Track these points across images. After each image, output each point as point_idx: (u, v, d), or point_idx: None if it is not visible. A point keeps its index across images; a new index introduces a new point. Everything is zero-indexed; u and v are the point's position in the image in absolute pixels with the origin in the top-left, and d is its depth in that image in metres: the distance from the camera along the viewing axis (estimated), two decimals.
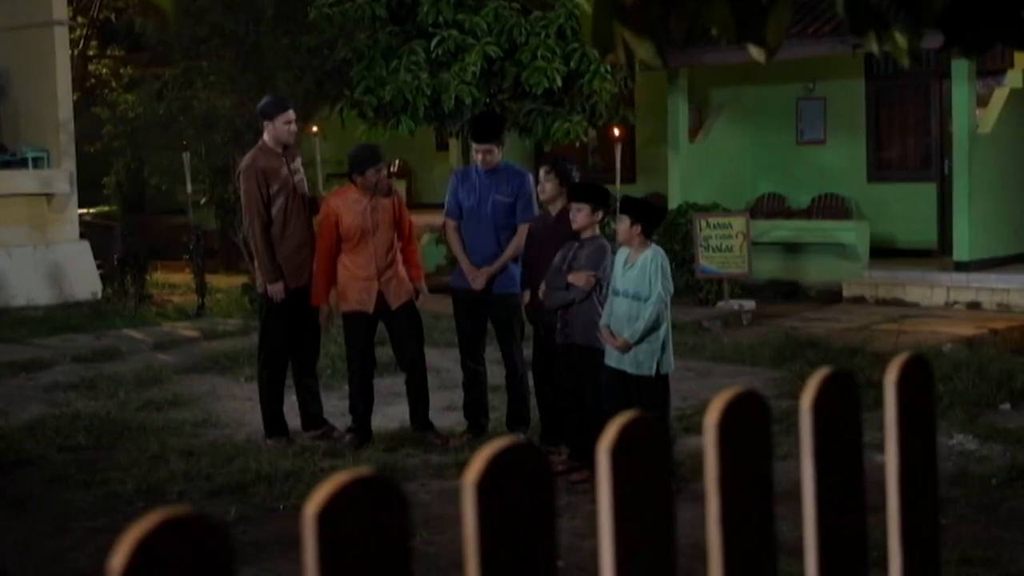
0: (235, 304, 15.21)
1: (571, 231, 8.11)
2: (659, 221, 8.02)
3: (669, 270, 7.75)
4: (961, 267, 15.59)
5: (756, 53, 3.08)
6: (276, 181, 8.80)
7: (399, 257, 8.86)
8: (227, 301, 15.54)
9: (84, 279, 15.99)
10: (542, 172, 8.54)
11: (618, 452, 1.57)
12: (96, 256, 16.26)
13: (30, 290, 15.06)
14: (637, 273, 7.60)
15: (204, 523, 1.26)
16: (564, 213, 8.22)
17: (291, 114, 8.90)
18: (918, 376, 2.14)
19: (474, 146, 8.90)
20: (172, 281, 17.41)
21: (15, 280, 14.83)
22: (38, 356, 12.22)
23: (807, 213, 18.11)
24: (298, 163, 9.04)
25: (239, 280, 16.45)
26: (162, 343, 12.87)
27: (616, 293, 7.75)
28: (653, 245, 7.76)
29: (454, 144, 18.74)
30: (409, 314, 8.87)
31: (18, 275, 14.88)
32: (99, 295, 15.84)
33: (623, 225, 7.65)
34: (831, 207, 18.06)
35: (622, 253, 7.78)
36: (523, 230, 8.68)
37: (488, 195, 8.78)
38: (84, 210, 17.61)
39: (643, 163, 19.69)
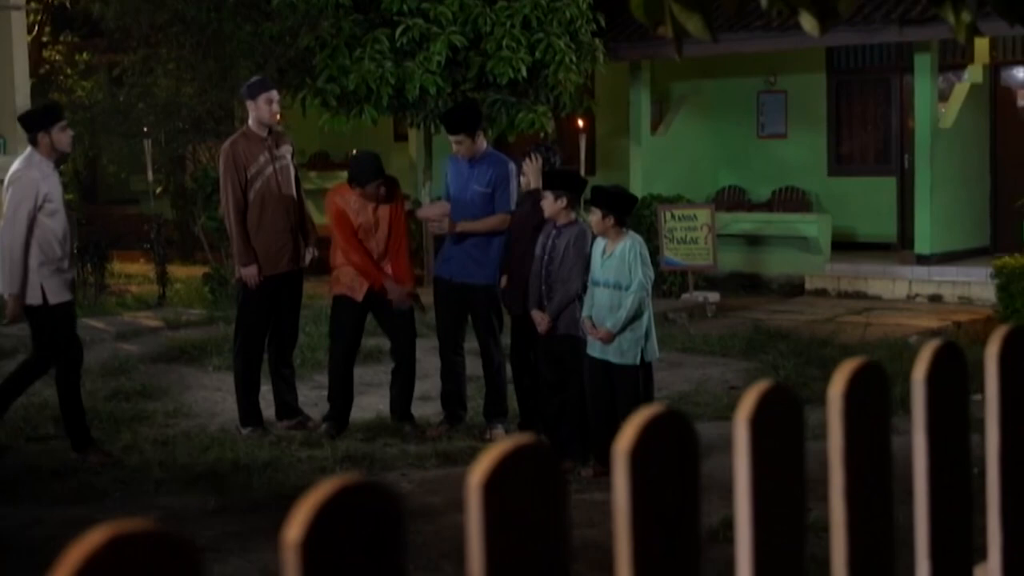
0: (195, 294, 15.04)
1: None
2: (631, 209, 7.99)
3: (648, 257, 7.74)
4: (923, 260, 15.71)
5: (810, 26, 3.04)
6: (254, 165, 8.68)
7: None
8: (187, 291, 15.36)
9: None
10: (525, 163, 8.50)
11: (756, 421, 1.52)
12: None
13: None
14: (616, 263, 7.57)
15: (380, 489, 1.20)
16: (536, 199, 8.22)
17: (274, 93, 8.80)
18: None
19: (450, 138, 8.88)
20: (128, 271, 17.19)
21: None
22: (17, 340, 11.98)
23: (768, 206, 18.17)
24: (284, 150, 8.92)
25: (198, 270, 16.28)
26: (124, 333, 12.69)
27: (596, 284, 7.71)
28: (630, 233, 7.74)
29: (414, 135, 18.62)
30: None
31: None
32: None
33: (595, 217, 7.62)
34: (792, 200, 18.13)
35: (599, 243, 7.75)
36: (502, 217, 8.62)
37: (469, 184, 8.72)
38: None
39: (603, 155, 19.68)
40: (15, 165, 8.31)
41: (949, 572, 1.91)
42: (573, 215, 8.00)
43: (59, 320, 8.24)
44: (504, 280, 8.56)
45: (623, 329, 7.54)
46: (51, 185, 8.19)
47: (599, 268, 7.63)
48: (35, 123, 8.31)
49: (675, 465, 1.42)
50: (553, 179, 8.08)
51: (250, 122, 8.86)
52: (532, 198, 8.34)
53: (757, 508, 1.55)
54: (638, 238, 7.73)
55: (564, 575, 1.38)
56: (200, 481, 7.81)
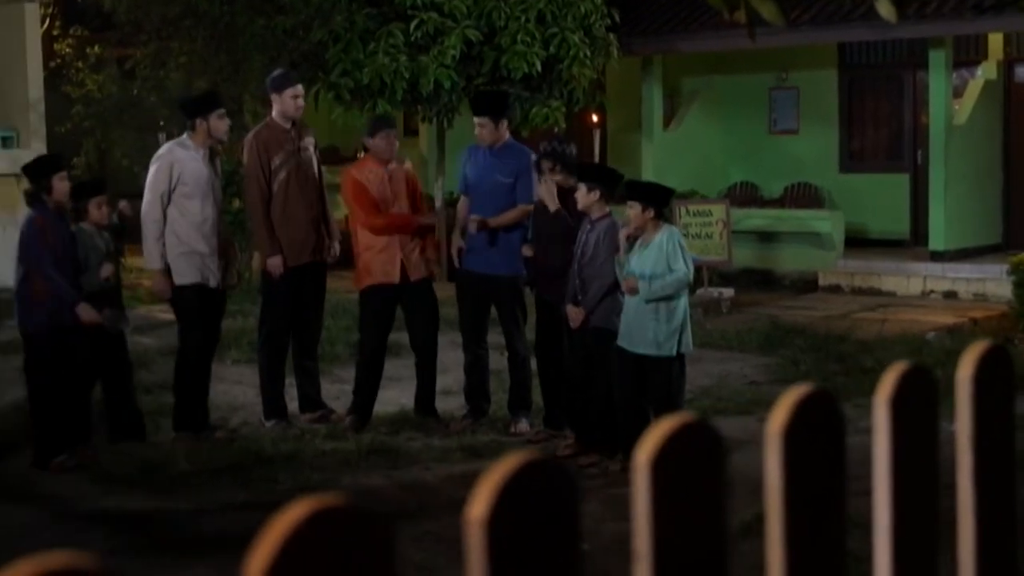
0: None
1: (576, 212, 8.07)
2: (668, 201, 7.99)
3: (686, 249, 7.72)
4: (937, 257, 15.67)
5: (887, 12, 3.02)
6: (279, 155, 8.69)
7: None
8: None
9: None
10: (540, 187, 8.42)
11: (896, 403, 1.48)
12: None
13: (1, 271, 14.77)
14: (654, 254, 7.55)
15: (559, 468, 1.17)
16: (567, 191, 8.17)
17: (299, 88, 8.84)
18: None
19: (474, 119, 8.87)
20: (140, 265, 17.11)
21: None
22: (14, 338, 11.94)
23: (779, 202, 18.13)
24: (308, 141, 8.92)
25: None
26: (140, 327, 12.61)
27: (631, 276, 7.69)
28: (666, 225, 7.73)
29: (425, 130, 18.59)
30: (426, 295, 8.76)
31: None
32: None
33: (634, 211, 7.60)
34: (804, 196, 18.09)
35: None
36: (523, 208, 8.60)
37: (490, 174, 8.69)
38: None
39: (615, 150, 19.62)
40: (162, 147, 8.63)
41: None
42: (607, 208, 7.96)
43: (184, 300, 8.45)
44: (530, 272, 8.56)
45: (650, 301, 7.48)
46: (192, 169, 8.38)
47: (634, 260, 7.59)
48: (194, 109, 8.56)
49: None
50: (587, 172, 8.05)
51: (274, 114, 8.86)
52: (561, 195, 8.28)
53: (898, 489, 1.52)
54: (675, 229, 7.72)
55: (723, 549, 1.35)
56: (225, 473, 7.79)
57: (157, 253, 8.40)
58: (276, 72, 9.23)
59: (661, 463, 1.25)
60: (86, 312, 7.77)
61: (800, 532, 1.39)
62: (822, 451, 1.45)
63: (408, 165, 8.97)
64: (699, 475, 1.30)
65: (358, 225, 8.73)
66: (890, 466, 1.79)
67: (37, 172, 7.98)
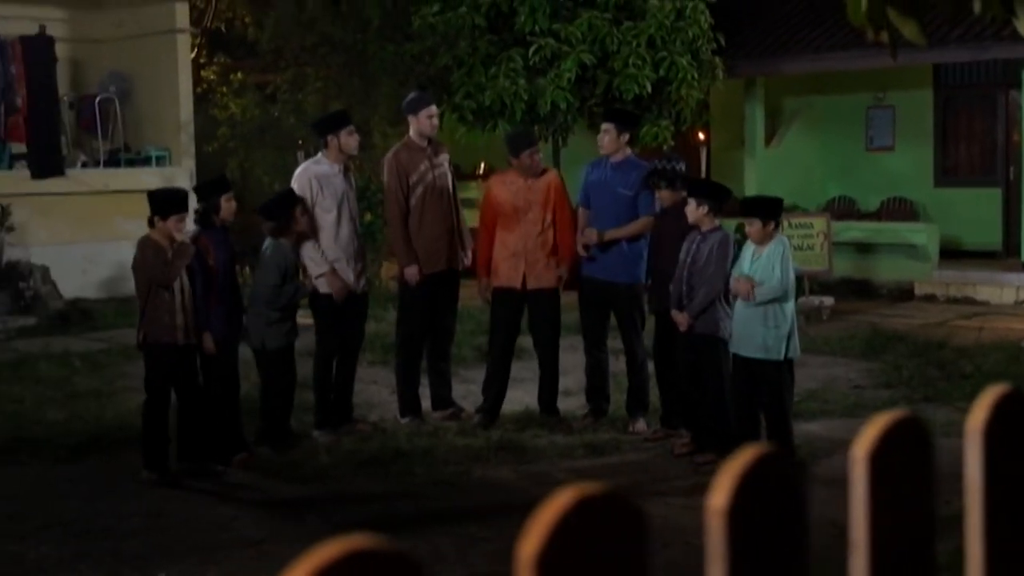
0: None
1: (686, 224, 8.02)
2: (780, 211, 7.92)
3: (790, 261, 7.62)
4: None
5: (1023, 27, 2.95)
6: (415, 173, 8.77)
7: (552, 242, 8.75)
8: None
9: None
10: (652, 184, 8.38)
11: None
12: None
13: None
14: (764, 262, 7.50)
15: (787, 459, 1.15)
16: (683, 204, 8.12)
17: (433, 109, 8.89)
18: None
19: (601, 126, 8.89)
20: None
21: None
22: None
23: (876, 215, 17.86)
24: (443, 158, 8.98)
25: None
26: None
27: (743, 275, 7.62)
28: (779, 236, 7.65)
29: (542, 148, 18.58)
30: (549, 303, 8.77)
31: None
32: None
33: (755, 227, 7.54)
34: (899, 210, 17.79)
35: (748, 246, 7.67)
36: (646, 220, 8.55)
37: (613, 187, 8.66)
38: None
39: (718, 166, 19.47)
40: (299, 168, 8.83)
41: None
42: (717, 222, 7.90)
43: (322, 307, 8.55)
44: (649, 279, 8.50)
45: (758, 305, 7.42)
46: (331, 184, 8.51)
47: (747, 269, 7.53)
48: (326, 127, 8.69)
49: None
50: (697, 187, 8.01)
51: (411, 134, 8.93)
52: (676, 208, 8.24)
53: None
54: (785, 241, 7.64)
55: (932, 538, 1.32)
56: (365, 466, 7.85)
57: (319, 257, 8.47)
58: (412, 95, 9.28)
59: (876, 456, 1.23)
60: (208, 342, 7.72)
61: (999, 526, 1.35)
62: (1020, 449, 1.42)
63: (552, 175, 8.97)
64: (910, 467, 1.27)
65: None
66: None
67: (208, 193, 8.00)
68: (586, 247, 8.66)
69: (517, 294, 8.71)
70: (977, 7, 2.92)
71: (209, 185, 8.17)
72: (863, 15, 2.82)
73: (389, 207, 8.92)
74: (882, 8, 2.81)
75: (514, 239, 8.69)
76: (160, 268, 7.51)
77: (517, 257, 8.67)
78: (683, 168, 8.54)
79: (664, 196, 8.28)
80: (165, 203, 7.69)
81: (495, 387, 8.82)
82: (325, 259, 8.47)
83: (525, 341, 10.11)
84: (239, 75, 18.56)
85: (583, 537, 1.00)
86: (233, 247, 8.07)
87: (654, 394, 8.69)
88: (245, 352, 8.23)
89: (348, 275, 8.57)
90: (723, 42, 15.87)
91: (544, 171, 8.88)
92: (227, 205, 7.94)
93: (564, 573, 0.99)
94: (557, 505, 1.02)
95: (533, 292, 8.71)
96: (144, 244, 7.70)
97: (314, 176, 8.48)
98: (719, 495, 1.11)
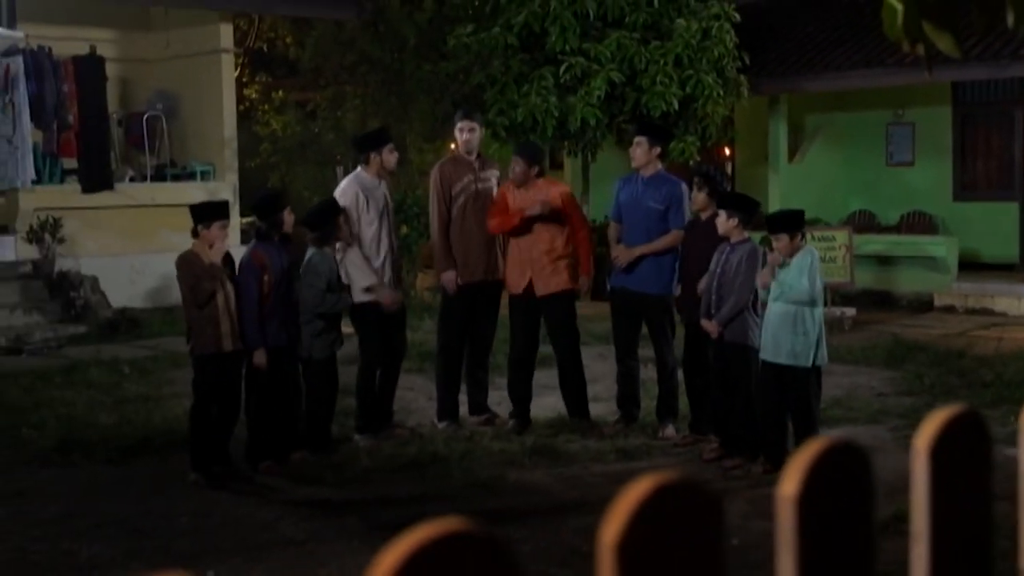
0: None
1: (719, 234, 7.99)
2: (803, 223, 7.89)
3: (818, 270, 7.59)
4: None
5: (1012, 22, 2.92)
6: (458, 184, 8.81)
7: (560, 249, 8.73)
8: None
9: None
10: (695, 184, 8.39)
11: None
12: None
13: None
14: (793, 272, 7.48)
15: (856, 449, 1.14)
16: (713, 218, 8.10)
17: (464, 124, 8.89)
18: None
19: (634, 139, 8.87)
20: None
21: None
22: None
23: (896, 229, 17.77)
24: (490, 174, 8.99)
25: None
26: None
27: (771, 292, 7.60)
28: (808, 247, 7.63)
29: (569, 163, 18.62)
30: (561, 308, 8.74)
31: None
32: None
33: (783, 242, 7.51)
34: (918, 224, 17.71)
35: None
36: (676, 234, 8.53)
37: (644, 201, 8.64)
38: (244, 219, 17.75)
39: (742, 181, 19.43)
40: (343, 182, 8.83)
41: None
42: (746, 233, 7.88)
43: (364, 316, 8.52)
44: (679, 289, 8.47)
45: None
46: (374, 197, 8.54)
47: (777, 278, 7.51)
48: (368, 144, 8.72)
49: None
50: (726, 200, 7.99)
51: (457, 147, 9.01)
52: (706, 222, 8.22)
53: None
54: (814, 252, 7.61)
55: (990, 530, 1.30)
56: (403, 470, 7.85)
57: (368, 270, 8.47)
58: (457, 113, 9.35)
59: (938, 450, 1.22)
60: (259, 358, 7.70)
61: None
62: None
63: (563, 186, 9.07)
64: (969, 460, 1.26)
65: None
66: None
67: (269, 209, 7.95)
68: (617, 260, 8.67)
69: (530, 301, 8.71)
70: (1011, 21, 2.90)
71: (268, 201, 8.14)
72: (899, 28, 2.80)
73: (432, 215, 8.96)
74: (917, 22, 2.80)
75: (526, 245, 8.68)
76: (195, 287, 7.51)
77: (524, 265, 8.69)
78: (723, 183, 8.54)
79: (699, 199, 8.26)
80: (206, 210, 7.75)
81: (516, 393, 8.84)
82: (372, 270, 8.47)
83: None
84: (280, 93, 18.66)
85: (662, 523, 1.00)
86: (289, 257, 8.06)
87: (683, 401, 8.66)
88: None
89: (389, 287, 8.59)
90: (748, 61, 15.85)
91: (554, 183, 8.94)
92: (288, 219, 7.97)
93: (643, 557, 0.99)
94: (637, 492, 1.01)
95: (545, 298, 8.70)
96: (180, 263, 7.71)
97: (361, 188, 8.51)
98: (789, 483, 1.10)
